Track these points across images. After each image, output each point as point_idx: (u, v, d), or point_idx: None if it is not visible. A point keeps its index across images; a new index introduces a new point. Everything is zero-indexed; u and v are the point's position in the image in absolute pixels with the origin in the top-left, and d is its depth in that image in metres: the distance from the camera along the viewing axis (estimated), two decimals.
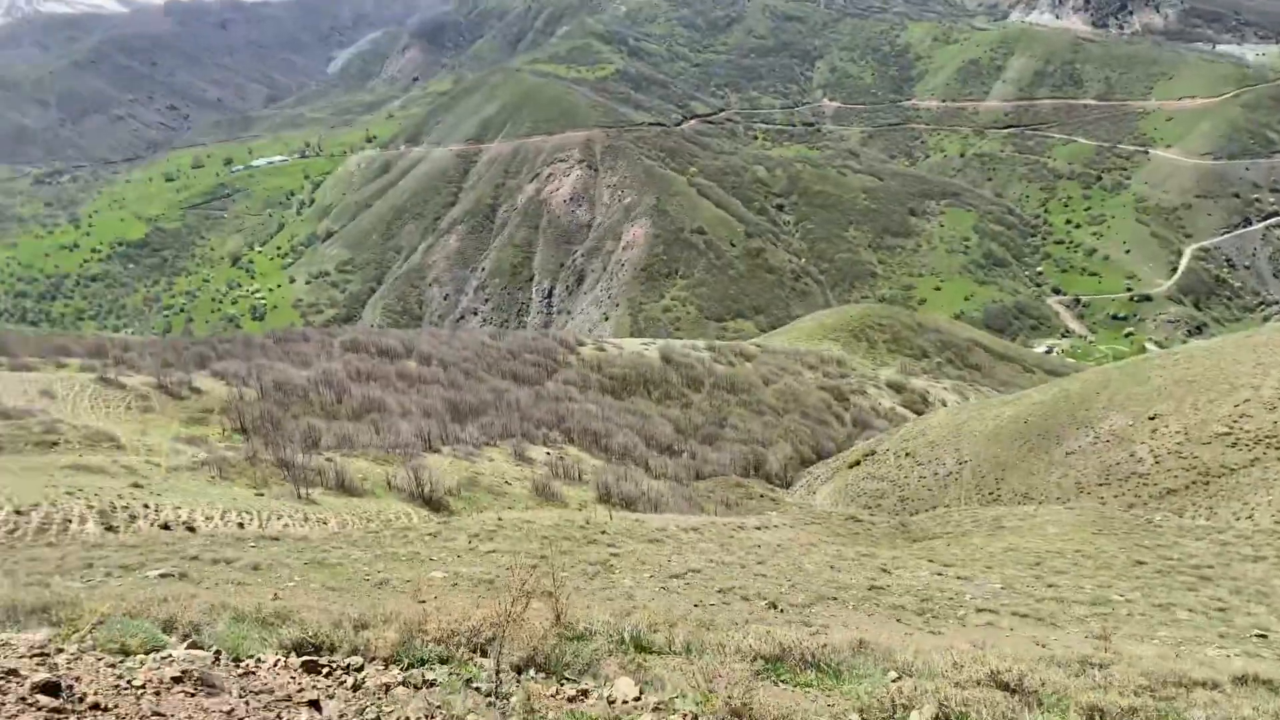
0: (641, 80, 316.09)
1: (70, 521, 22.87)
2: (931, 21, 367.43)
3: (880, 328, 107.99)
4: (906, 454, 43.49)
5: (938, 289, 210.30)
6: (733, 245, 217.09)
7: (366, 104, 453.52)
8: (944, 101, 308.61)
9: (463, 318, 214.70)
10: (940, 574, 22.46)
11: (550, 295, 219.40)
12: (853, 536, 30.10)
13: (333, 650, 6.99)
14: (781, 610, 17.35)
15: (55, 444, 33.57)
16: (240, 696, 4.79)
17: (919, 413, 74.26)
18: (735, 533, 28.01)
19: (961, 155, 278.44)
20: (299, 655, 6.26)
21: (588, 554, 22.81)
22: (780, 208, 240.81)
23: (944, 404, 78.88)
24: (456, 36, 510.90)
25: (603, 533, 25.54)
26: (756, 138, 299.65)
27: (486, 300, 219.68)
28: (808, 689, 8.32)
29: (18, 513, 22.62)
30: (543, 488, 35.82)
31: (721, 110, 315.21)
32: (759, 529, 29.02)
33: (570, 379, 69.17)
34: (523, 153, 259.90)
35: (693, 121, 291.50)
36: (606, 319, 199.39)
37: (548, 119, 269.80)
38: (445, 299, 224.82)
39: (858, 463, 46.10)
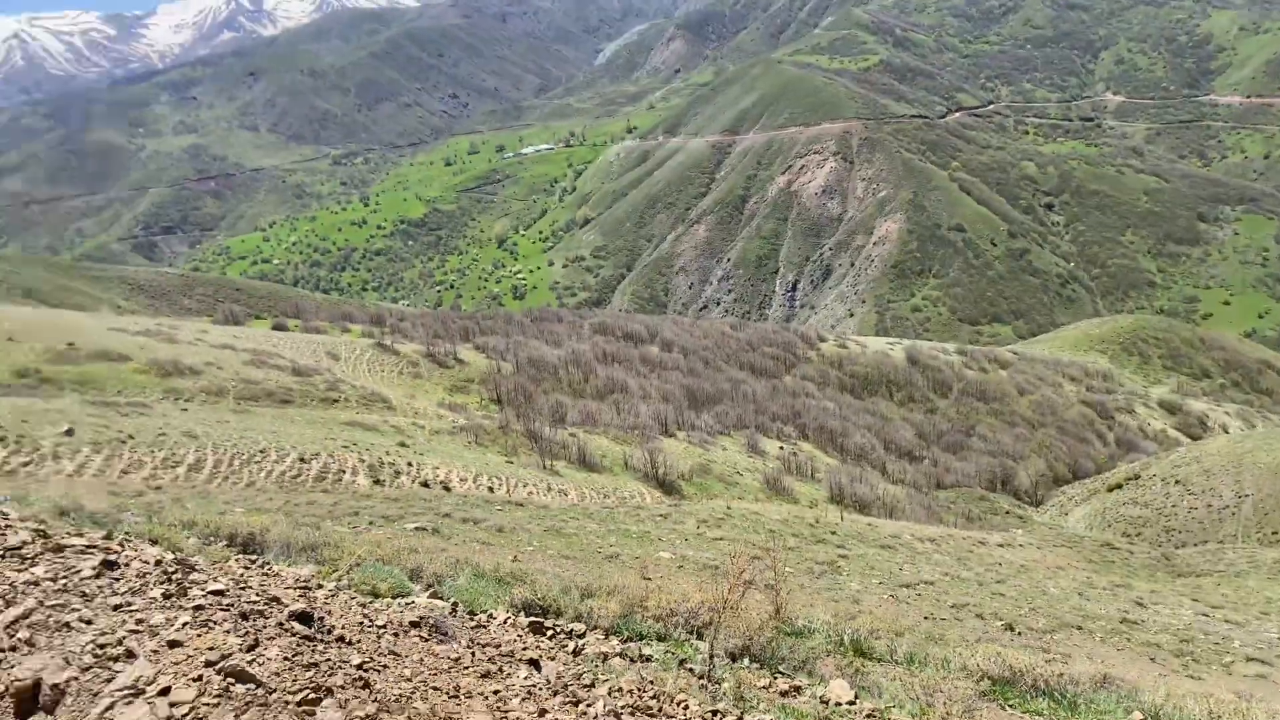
0: (906, 71, 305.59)
1: (344, 472, 25.19)
2: (1238, 9, 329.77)
3: (1156, 342, 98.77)
4: (1176, 481, 39.59)
5: (1227, 303, 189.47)
6: (994, 245, 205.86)
7: (630, 94, 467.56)
8: (1248, 97, 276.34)
9: (706, 307, 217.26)
10: (1206, 615, 20.33)
11: (794, 289, 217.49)
12: (1106, 564, 27.84)
13: (558, 614, 7.32)
14: (1019, 633, 16.35)
15: (336, 401, 37.15)
16: (468, 647, 5.14)
17: (1195, 438, 67.32)
18: (975, 548, 26.68)
19: (1266, 157, 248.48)
20: (527, 615, 6.61)
21: (815, 553, 22.49)
22: (1050, 207, 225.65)
23: (1225, 430, 71.09)
24: (720, 28, 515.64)
25: (832, 533, 25.10)
26: (1028, 133, 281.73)
27: (730, 291, 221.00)
28: (1037, 717, 7.79)
29: (301, 460, 25.20)
30: (774, 481, 35.66)
31: (990, 104, 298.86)
32: (1002, 546, 27.48)
33: (809, 374, 68.31)
34: (777, 144, 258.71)
35: (958, 114, 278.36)
36: (851, 315, 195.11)
37: (805, 110, 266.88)
38: (690, 288, 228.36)
39: (1119, 486, 42.49)
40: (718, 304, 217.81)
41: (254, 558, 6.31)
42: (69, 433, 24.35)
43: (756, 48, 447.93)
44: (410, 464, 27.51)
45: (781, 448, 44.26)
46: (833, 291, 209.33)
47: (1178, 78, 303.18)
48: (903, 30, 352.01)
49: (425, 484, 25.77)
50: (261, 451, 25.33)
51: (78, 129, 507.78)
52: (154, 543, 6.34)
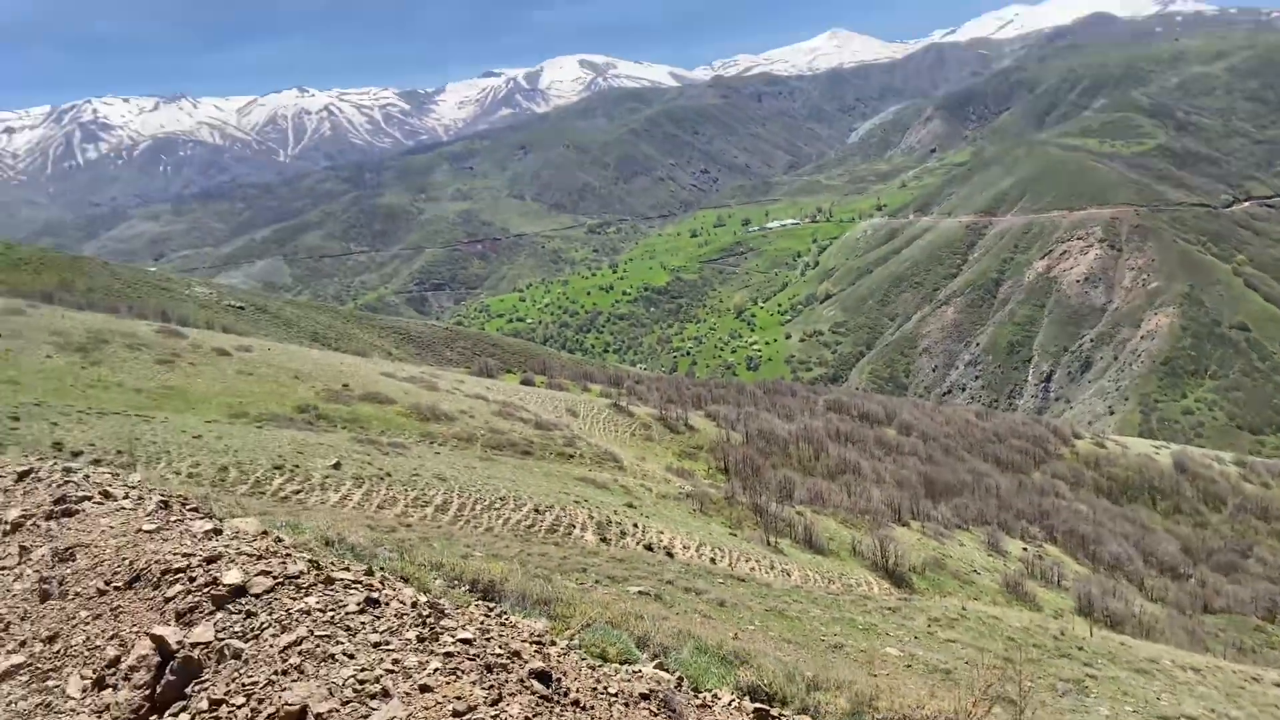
0: (1187, 156, 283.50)
1: (574, 526, 25.86)
2: None
3: None
4: None
5: None
6: None
7: (881, 173, 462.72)
8: None
9: (950, 392, 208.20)
10: None
11: (1049, 380, 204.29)
12: None
13: (784, 703, 7.04)
14: None
15: (572, 456, 38.41)
16: None
17: None
18: (1248, 683, 23.49)
19: None
20: (753, 700, 6.39)
21: (1058, 668, 20.59)
22: None
23: None
24: (982, 108, 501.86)
25: (1079, 649, 22.92)
26: None
27: (977, 377, 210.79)
28: None
29: (536, 511, 26.14)
30: (1014, 584, 33.19)
31: None
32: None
33: (1060, 473, 63.57)
34: (1036, 227, 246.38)
35: (1247, 204, 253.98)
36: (1112, 413, 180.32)
37: (1070, 194, 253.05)
38: (934, 370, 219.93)
39: None
40: (963, 389, 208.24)
41: (492, 605, 6.52)
42: (336, 466, 26.55)
43: (1019, 129, 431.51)
44: (636, 525, 27.84)
45: (1025, 549, 41.28)
46: (1092, 386, 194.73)
47: None
48: (1185, 113, 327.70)
49: (649, 547, 25.96)
50: (501, 499, 26.49)
51: (370, 192, 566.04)
52: (406, 581, 6.69)
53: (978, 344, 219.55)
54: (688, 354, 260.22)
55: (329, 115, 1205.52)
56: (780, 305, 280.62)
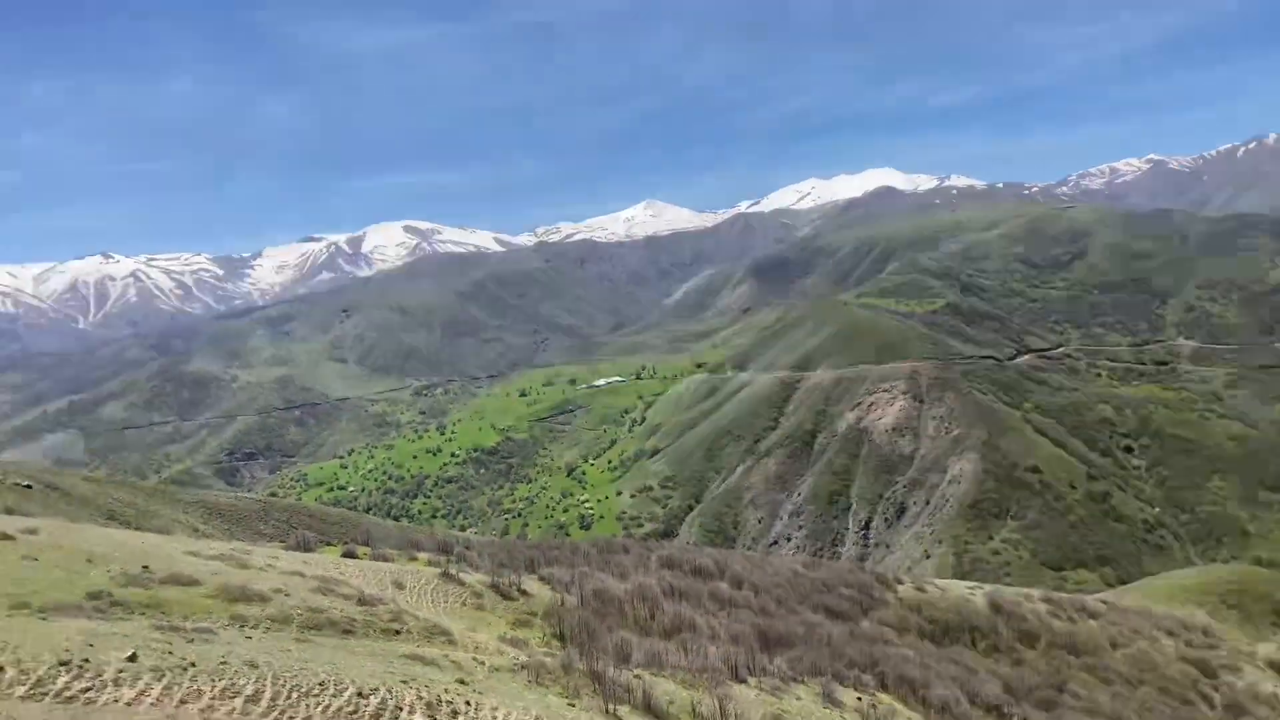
0: (974, 314, 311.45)
1: (401, 709, 24.20)
2: None
3: (1258, 596, 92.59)
4: None
5: None
6: (1073, 488, 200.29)
7: (699, 333, 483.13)
8: None
9: (776, 542, 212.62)
10: None
11: (868, 526, 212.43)
12: None
13: None
14: None
15: (399, 632, 36.35)
16: None
17: None
18: None
19: None
20: None
21: None
22: (1129, 450, 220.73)
23: None
24: (787, 273, 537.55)
25: None
26: (1100, 375, 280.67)
27: (801, 527, 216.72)
28: None
29: (359, 695, 24.36)
30: None
31: (1060, 346, 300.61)
32: None
33: (887, 619, 65.08)
34: (845, 382, 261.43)
35: (1028, 356, 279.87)
36: (928, 556, 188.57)
37: (873, 349, 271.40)
38: (759, 522, 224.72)
39: None
40: (789, 539, 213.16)
41: None
42: (132, 658, 24.04)
43: (822, 291, 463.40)
44: (469, 703, 26.34)
45: (859, 699, 41.54)
46: (908, 531, 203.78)
47: (1254, 324, 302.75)
48: (969, 275, 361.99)
49: None
50: (320, 684, 24.61)
51: (178, 360, 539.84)
52: None
53: (799, 494, 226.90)
54: (519, 515, 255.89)
55: (135, 281, 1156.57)
56: (610, 462, 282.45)
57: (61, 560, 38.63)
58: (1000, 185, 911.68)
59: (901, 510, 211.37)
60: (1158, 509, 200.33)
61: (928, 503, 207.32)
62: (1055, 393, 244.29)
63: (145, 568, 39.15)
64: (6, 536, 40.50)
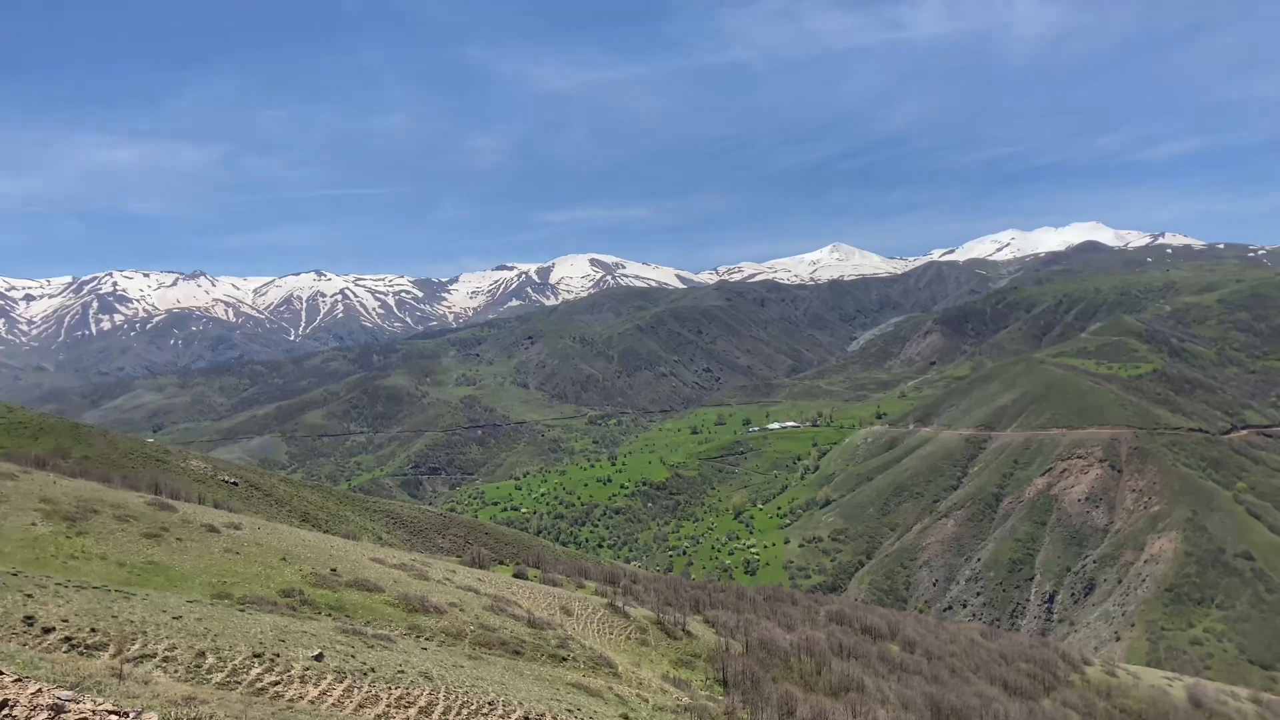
0: (1183, 383, 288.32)
1: None
2: None
3: None
4: None
5: None
6: None
7: (881, 382, 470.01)
8: None
9: (950, 608, 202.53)
10: None
11: (1051, 600, 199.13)
12: None
13: None
14: None
15: (565, 659, 36.64)
16: None
17: None
18: None
19: None
20: None
21: None
22: None
23: None
24: (980, 325, 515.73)
25: None
26: None
27: (978, 594, 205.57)
28: None
29: (525, 718, 24.54)
30: None
31: None
32: None
33: (1071, 701, 60.60)
34: (1036, 444, 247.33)
35: (1244, 432, 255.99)
36: (1118, 639, 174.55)
37: (1069, 413, 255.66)
38: (934, 584, 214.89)
39: None
40: (964, 605, 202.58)
41: None
42: (319, 657, 25.19)
43: (1017, 347, 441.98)
44: None
45: None
46: (1097, 609, 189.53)
47: None
48: (1179, 340, 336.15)
49: None
50: (490, 704, 24.99)
51: (375, 374, 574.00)
52: None
53: (978, 559, 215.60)
54: (684, 553, 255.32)
55: (343, 298, 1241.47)
56: (780, 508, 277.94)
57: (259, 556, 41.26)
58: (1221, 246, 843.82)
59: (1090, 587, 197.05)
60: None
61: (1120, 581, 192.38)
62: (1274, 474, 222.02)
63: (333, 570, 41.23)
64: (213, 530, 43.68)
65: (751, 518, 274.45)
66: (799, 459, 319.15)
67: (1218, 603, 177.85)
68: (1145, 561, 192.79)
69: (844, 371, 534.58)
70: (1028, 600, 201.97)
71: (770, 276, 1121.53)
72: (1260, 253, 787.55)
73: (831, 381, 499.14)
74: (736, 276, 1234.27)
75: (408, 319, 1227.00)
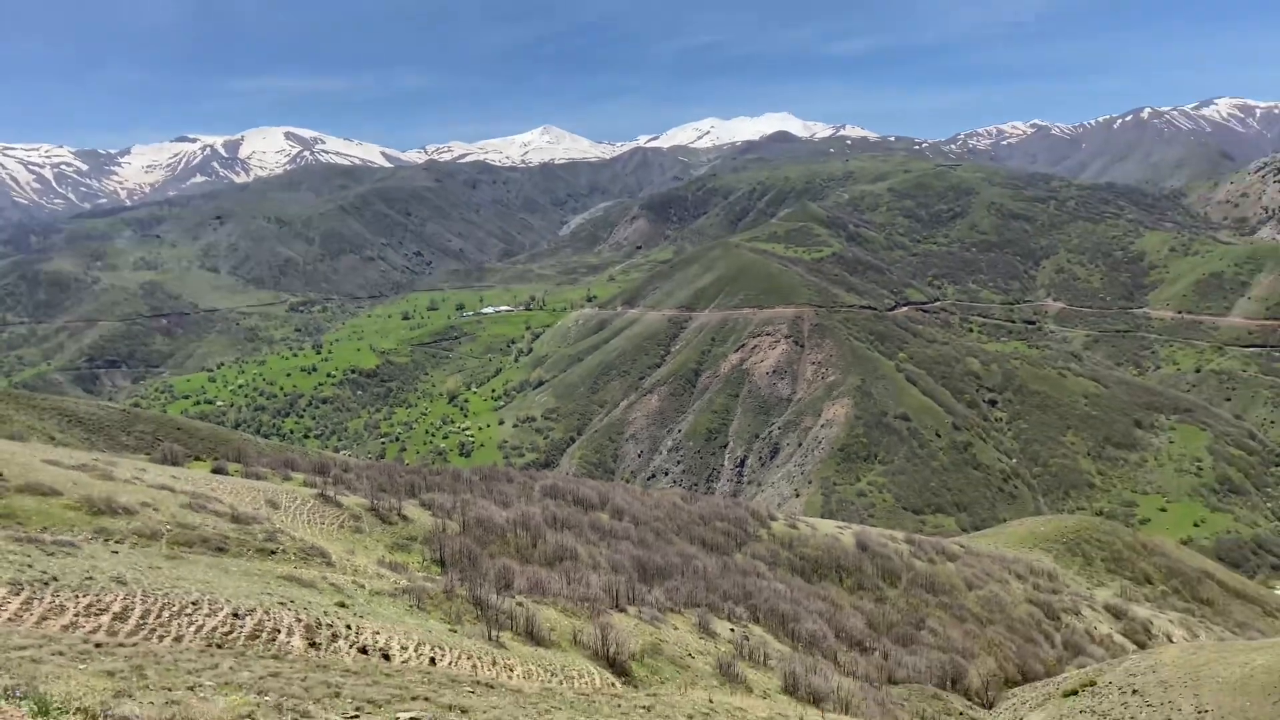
0: (857, 264, 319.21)
1: (279, 631, 23.59)
2: (1169, 231, 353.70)
3: (1098, 544, 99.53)
4: (1134, 691, 38.69)
5: (1163, 510, 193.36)
6: (938, 436, 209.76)
7: (591, 266, 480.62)
8: (1179, 313, 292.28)
9: (654, 476, 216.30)
10: None
11: (743, 464, 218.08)
12: None
13: None
14: None
15: (274, 553, 35.36)
16: None
17: (1140, 644, 66.76)
18: None
19: (1197, 371, 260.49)
20: None
21: None
22: (993, 403, 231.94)
23: (1169, 638, 70.77)
24: (682, 211, 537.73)
25: None
26: (972, 330, 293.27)
27: (679, 462, 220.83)
28: None
29: (235, 615, 23.60)
30: (727, 667, 34.22)
31: (937, 300, 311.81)
32: None
33: (759, 554, 67.20)
34: (731, 323, 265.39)
35: (906, 308, 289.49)
36: (798, 495, 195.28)
37: (760, 293, 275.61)
38: (639, 455, 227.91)
39: (1074, 692, 41.44)
40: (666, 474, 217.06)
41: None
42: None
43: (715, 232, 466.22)
44: (349, 626, 25.89)
45: (733, 630, 42.89)
46: (780, 470, 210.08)
47: (1114, 290, 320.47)
48: (855, 226, 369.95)
49: (364, 650, 24.17)
50: (194, 603, 23.71)
51: (34, 257, 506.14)
52: None
53: (679, 430, 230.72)
54: (397, 439, 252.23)
55: None
56: (494, 391, 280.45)
57: None
58: (893, 139, 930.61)
59: (775, 450, 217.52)
60: (1014, 460, 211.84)
61: (800, 444, 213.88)
62: (929, 345, 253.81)
63: None
64: None
65: (466, 401, 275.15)
66: (513, 342, 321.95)
67: (880, 459, 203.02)
68: (822, 426, 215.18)
69: (556, 255, 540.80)
70: (722, 465, 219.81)
71: (481, 158, 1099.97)
72: (924, 146, 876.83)
73: (544, 265, 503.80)
74: (446, 156, 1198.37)
75: (71, 195, 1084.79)
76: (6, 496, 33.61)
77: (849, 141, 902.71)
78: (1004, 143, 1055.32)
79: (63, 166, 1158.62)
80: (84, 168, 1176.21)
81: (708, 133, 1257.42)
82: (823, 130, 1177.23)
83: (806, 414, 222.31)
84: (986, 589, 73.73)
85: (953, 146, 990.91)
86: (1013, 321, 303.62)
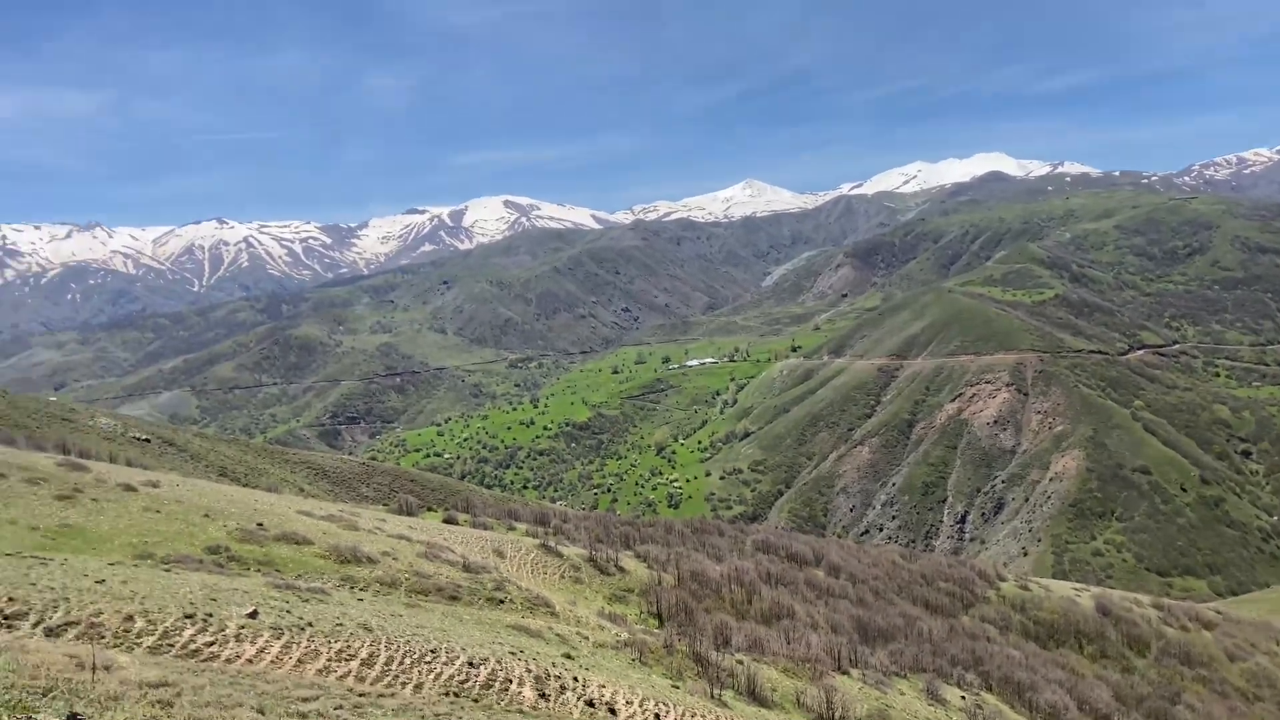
0: (1083, 307, 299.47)
1: (510, 681, 24.25)
2: None
3: None
4: None
5: None
6: (1183, 490, 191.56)
7: (795, 316, 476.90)
8: None
9: (867, 532, 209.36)
10: None
11: (963, 520, 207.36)
12: None
13: None
14: None
15: (502, 602, 36.66)
16: None
17: None
18: None
19: None
20: None
21: None
22: (1247, 454, 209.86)
23: None
24: (889, 257, 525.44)
25: None
26: (1218, 374, 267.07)
27: (894, 517, 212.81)
28: None
29: (470, 664, 24.49)
30: None
31: (1176, 343, 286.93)
32: None
33: (988, 616, 63.33)
34: (946, 371, 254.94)
35: (1141, 352, 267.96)
36: (1026, 554, 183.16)
37: (976, 339, 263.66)
38: (851, 510, 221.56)
39: None
40: (880, 529, 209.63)
41: None
42: (253, 615, 24.63)
43: (925, 277, 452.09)
44: (576, 679, 26.29)
45: (964, 697, 40.44)
46: (1005, 527, 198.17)
47: None
48: (1079, 266, 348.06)
49: (590, 703, 24.45)
50: (432, 651, 24.82)
51: (286, 324, 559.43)
52: None
53: (893, 484, 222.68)
54: (608, 490, 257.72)
55: (247, 247, 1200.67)
56: (700, 442, 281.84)
57: (181, 513, 40.06)
58: (1117, 174, 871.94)
59: (1000, 506, 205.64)
60: (1276, 517, 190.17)
61: (1027, 499, 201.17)
62: (1168, 391, 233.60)
63: (259, 524, 40.29)
64: (129, 488, 42.19)
65: (673, 453, 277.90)
66: (718, 394, 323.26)
67: (1117, 515, 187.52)
68: (1050, 479, 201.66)
69: (759, 307, 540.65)
70: (941, 521, 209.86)
71: (685, 215, 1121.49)
72: (1153, 179, 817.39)
73: (747, 317, 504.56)
74: (652, 216, 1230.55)
75: (316, 266, 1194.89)
76: (266, 545, 36.71)
77: (1068, 179, 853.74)
78: (1246, 171, 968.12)
79: (310, 240, 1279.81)
80: (328, 241, 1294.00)
81: (914, 177, 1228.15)
82: (1039, 168, 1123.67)
83: (1033, 466, 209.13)
84: (1252, 661, 66.05)
85: (1186, 178, 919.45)
86: (1266, 364, 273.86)
